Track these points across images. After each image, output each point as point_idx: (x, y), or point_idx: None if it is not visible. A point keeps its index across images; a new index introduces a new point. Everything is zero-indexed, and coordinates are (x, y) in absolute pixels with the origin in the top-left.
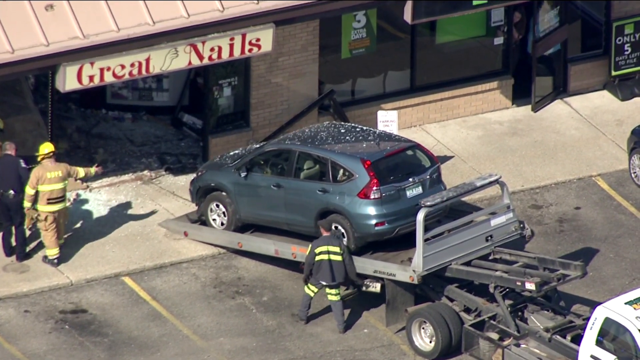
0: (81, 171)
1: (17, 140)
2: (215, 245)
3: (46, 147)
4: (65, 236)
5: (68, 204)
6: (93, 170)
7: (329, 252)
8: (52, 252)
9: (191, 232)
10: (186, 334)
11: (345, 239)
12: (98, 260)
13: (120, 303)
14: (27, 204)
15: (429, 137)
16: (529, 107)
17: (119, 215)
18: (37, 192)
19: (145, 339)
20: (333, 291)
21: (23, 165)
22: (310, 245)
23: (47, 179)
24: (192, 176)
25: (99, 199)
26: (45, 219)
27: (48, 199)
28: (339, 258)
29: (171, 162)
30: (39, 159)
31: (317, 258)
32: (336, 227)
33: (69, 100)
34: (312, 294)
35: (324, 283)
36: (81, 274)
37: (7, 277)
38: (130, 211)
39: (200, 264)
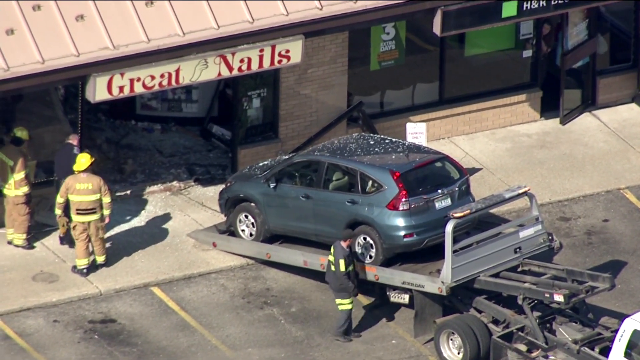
0: (108, 198)
1: (47, 151)
2: (244, 256)
3: (84, 158)
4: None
5: (106, 220)
6: (108, 212)
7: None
8: (81, 262)
9: (220, 242)
10: (215, 344)
11: (373, 250)
12: (127, 270)
13: (149, 313)
14: (57, 211)
15: (457, 149)
16: (557, 119)
17: (148, 225)
18: (68, 201)
19: (174, 349)
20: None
21: (76, 152)
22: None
23: (76, 189)
24: (221, 187)
25: (129, 209)
26: (75, 228)
27: (77, 210)
28: (332, 267)
29: (200, 173)
30: (76, 170)
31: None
32: (365, 239)
33: (99, 111)
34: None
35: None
36: (110, 284)
37: (36, 286)
38: (159, 222)
39: (228, 274)
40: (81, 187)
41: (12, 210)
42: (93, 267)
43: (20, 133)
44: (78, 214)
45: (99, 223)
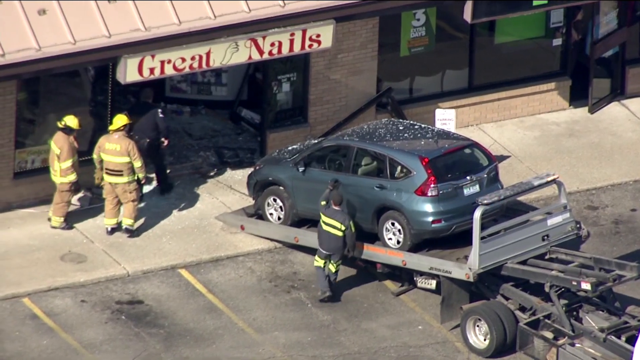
0: (138, 162)
1: (76, 132)
2: (272, 240)
3: (119, 119)
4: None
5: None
6: (142, 175)
7: (329, 225)
8: (107, 221)
9: (248, 226)
10: (241, 327)
11: (401, 236)
12: (155, 252)
13: (177, 295)
14: (96, 165)
15: (485, 136)
16: (586, 108)
17: (176, 207)
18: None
19: (201, 331)
20: (321, 260)
21: (160, 115)
22: (323, 210)
23: (105, 149)
24: (249, 170)
25: (157, 192)
26: (104, 187)
27: (106, 169)
28: (336, 232)
29: (229, 156)
30: (110, 130)
31: (320, 223)
32: (393, 224)
33: (128, 93)
34: (320, 264)
35: (321, 249)
36: (138, 265)
37: (64, 266)
38: (187, 204)
39: (256, 257)
40: (110, 147)
41: (56, 194)
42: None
43: (71, 122)
44: (106, 173)
45: (126, 186)
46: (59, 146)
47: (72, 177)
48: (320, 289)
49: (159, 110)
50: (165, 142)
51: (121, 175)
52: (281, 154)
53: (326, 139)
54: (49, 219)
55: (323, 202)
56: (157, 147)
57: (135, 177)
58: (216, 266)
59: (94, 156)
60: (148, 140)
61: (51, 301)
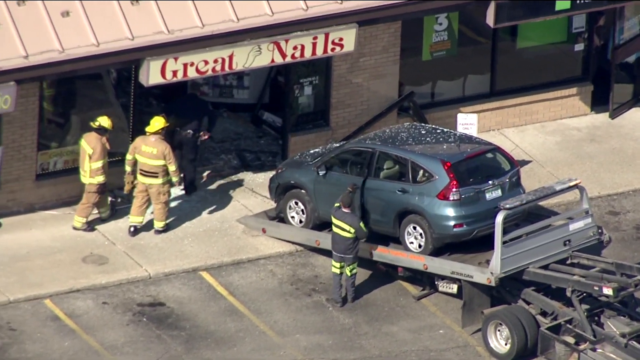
0: (173, 166)
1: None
2: (293, 243)
3: (157, 122)
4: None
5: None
6: (176, 179)
7: (338, 227)
8: (133, 219)
9: (269, 229)
10: (263, 330)
11: (422, 240)
12: (176, 254)
13: (198, 297)
14: (127, 167)
15: (507, 141)
16: (607, 114)
17: (198, 210)
18: (136, 161)
19: (222, 334)
20: (337, 264)
21: (211, 108)
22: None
23: (142, 151)
24: (270, 174)
25: (178, 194)
26: (136, 186)
27: (140, 170)
28: (345, 234)
29: (250, 159)
30: (147, 131)
31: (332, 227)
32: (414, 228)
33: (150, 95)
34: (337, 271)
35: (335, 253)
36: (159, 267)
37: (86, 268)
38: (208, 207)
39: (277, 260)
40: (146, 149)
41: (83, 195)
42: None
43: (105, 122)
44: (141, 174)
45: (161, 187)
46: (91, 146)
47: (101, 178)
48: (333, 299)
49: (209, 103)
50: (206, 136)
51: (156, 177)
52: (303, 158)
53: (348, 142)
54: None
55: (337, 204)
56: (195, 141)
57: (169, 179)
58: (237, 269)
59: (128, 157)
60: (192, 132)
61: (73, 303)
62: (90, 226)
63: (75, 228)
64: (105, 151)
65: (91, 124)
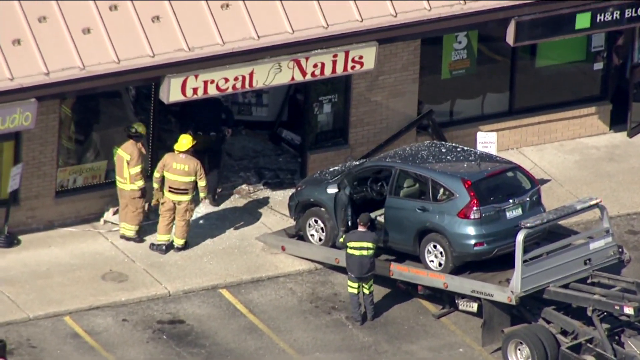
0: (203, 182)
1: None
2: (313, 261)
3: (185, 139)
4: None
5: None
6: (203, 195)
7: (361, 248)
8: (162, 237)
9: (289, 246)
10: (282, 348)
11: (443, 258)
12: (196, 272)
13: (218, 315)
14: (155, 184)
15: (526, 160)
16: (626, 132)
17: (217, 228)
18: (163, 178)
19: (242, 352)
20: (354, 284)
21: (225, 104)
22: (345, 235)
23: (172, 168)
24: (289, 191)
25: (197, 212)
26: (164, 204)
27: (170, 187)
28: (369, 253)
29: (269, 177)
30: (177, 150)
31: (349, 251)
32: (435, 246)
33: (169, 112)
34: (355, 291)
35: (352, 275)
36: (179, 284)
37: (105, 286)
38: (228, 224)
39: (297, 278)
40: (178, 167)
41: (127, 203)
42: (170, 248)
43: (141, 128)
44: (170, 191)
45: (188, 205)
46: (128, 152)
47: (141, 183)
48: (353, 317)
49: (225, 104)
50: (229, 133)
51: (186, 193)
52: (322, 175)
53: (368, 160)
54: (122, 236)
55: (341, 240)
56: (221, 141)
57: (194, 196)
58: (257, 287)
59: (156, 174)
60: (214, 133)
61: (92, 320)
62: (139, 236)
63: (126, 237)
64: (142, 156)
65: (126, 130)
